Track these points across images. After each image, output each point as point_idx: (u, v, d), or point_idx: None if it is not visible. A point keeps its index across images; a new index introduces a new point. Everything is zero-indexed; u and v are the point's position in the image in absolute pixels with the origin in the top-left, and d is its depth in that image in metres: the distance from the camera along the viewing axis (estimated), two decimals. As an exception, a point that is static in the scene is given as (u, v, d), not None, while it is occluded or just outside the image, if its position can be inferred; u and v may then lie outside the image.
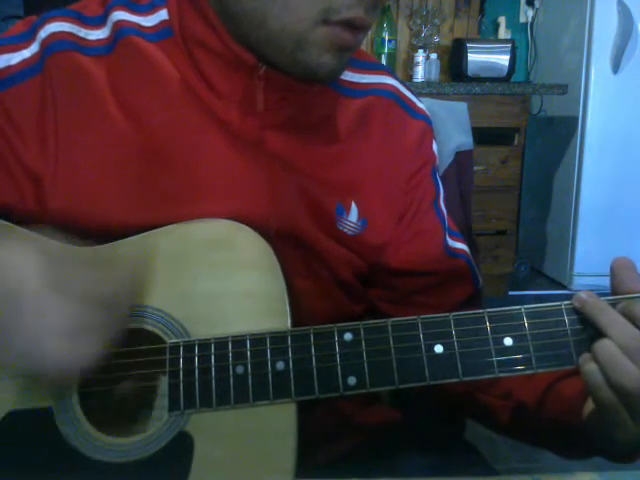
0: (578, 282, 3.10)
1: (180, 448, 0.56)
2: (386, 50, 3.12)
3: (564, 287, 3.18)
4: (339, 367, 0.56)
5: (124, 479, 0.56)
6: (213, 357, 0.57)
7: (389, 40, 3.11)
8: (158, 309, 0.59)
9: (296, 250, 0.67)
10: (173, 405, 0.57)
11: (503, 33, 3.32)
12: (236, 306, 0.59)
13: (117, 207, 0.63)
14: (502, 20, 3.32)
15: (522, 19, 3.45)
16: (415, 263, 0.73)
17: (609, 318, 0.52)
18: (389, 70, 0.78)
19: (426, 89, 2.76)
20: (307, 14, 0.57)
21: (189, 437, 0.56)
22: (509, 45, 3.02)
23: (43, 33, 0.65)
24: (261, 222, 0.63)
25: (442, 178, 0.89)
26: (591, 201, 3.04)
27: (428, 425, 0.83)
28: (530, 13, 3.41)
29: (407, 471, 0.73)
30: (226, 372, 0.56)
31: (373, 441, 0.76)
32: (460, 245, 0.77)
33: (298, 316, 0.59)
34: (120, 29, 0.66)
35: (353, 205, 0.70)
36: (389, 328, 0.56)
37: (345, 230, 0.70)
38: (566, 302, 0.55)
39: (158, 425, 0.57)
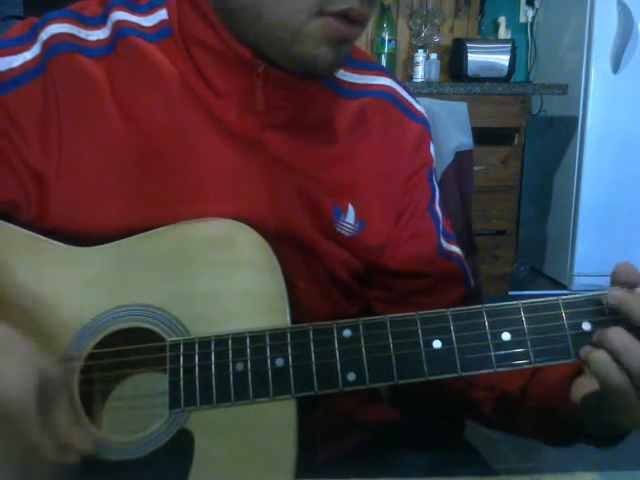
0: (578, 282, 3.10)
1: (181, 445, 0.56)
2: (386, 50, 3.12)
3: (564, 287, 3.18)
4: (338, 363, 0.56)
5: (125, 477, 0.57)
6: (213, 354, 0.57)
7: (389, 40, 3.11)
8: (158, 308, 0.59)
9: (294, 250, 0.67)
10: (173, 403, 0.57)
11: (503, 33, 3.32)
12: (236, 305, 0.59)
13: (118, 207, 0.63)
14: (502, 20, 3.32)
15: (522, 19, 3.45)
16: (410, 265, 0.74)
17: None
18: (387, 71, 0.78)
19: (426, 89, 2.76)
20: (302, 6, 0.57)
21: (189, 434, 0.56)
22: (509, 45, 3.02)
23: (44, 35, 0.65)
24: (260, 222, 0.63)
25: (442, 178, 0.89)
26: (591, 201, 3.04)
27: (428, 425, 0.83)
28: (530, 13, 3.41)
29: (407, 470, 0.73)
30: (226, 369, 0.56)
31: (373, 440, 0.76)
32: (454, 248, 0.77)
33: (296, 315, 0.59)
34: (120, 29, 0.66)
35: (350, 207, 0.70)
36: (387, 324, 0.56)
37: (342, 231, 0.70)
38: (563, 296, 0.55)
39: (159, 423, 0.57)
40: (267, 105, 0.65)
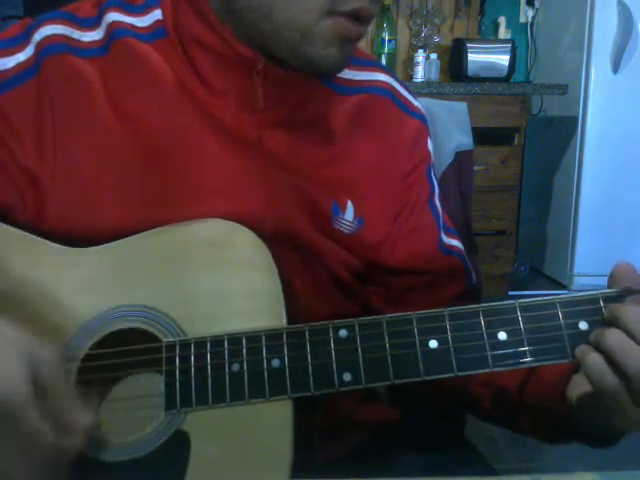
0: (578, 282, 3.10)
1: (177, 446, 0.56)
2: (386, 50, 3.12)
3: (564, 287, 3.18)
4: (334, 363, 0.55)
5: (121, 478, 0.56)
6: (209, 355, 0.57)
7: (389, 40, 3.11)
8: (154, 308, 0.59)
9: (293, 249, 0.67)
10: (169, 404, 0.57)
11: (503, 33, 3.32)
12: (232, 305, 0.59)
13: (114, 208, 0.63)
14: (502, 20, 3.32)
15: (522, 19, 3.45)
16: (411, 261, 0.74)
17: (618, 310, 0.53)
18: (384, 67, 0.78)
19: (426, 89, 2.76)
20: (313, 5, 0.57)
21: (186, 435, 0.56)
22: (509, 45, 3.02)
23: (38, 36, 0.65)
24: (257, 222, 0.63)
25: (442, 178, 0.89)
26: (591, 201, 3.04)
27: (428, 424, 0.83)
28: (530, 13, 3.41)
29: (406, 470, 0.73)
30: (222, 370, 0.56)
31: (372, 440, 0.76)
32: (455, 242, 0.77)
33: (295, 315, 0.59)
34: (114, 30, 0.66)
35: (349, 203, 0.70)
36: (384, 324, 0.56)
37: (341, 229, 0.70)
38: (560, 296, 0.55)
39: (155, 424, 0.57)
40: (265, 103, 0.65)
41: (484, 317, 0.55)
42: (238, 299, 0.59)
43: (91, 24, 0.67)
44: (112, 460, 0.56)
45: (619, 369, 0.51)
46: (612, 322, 0.52)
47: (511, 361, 0.54)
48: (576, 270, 3.10)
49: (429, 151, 0.77)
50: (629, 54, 2.91)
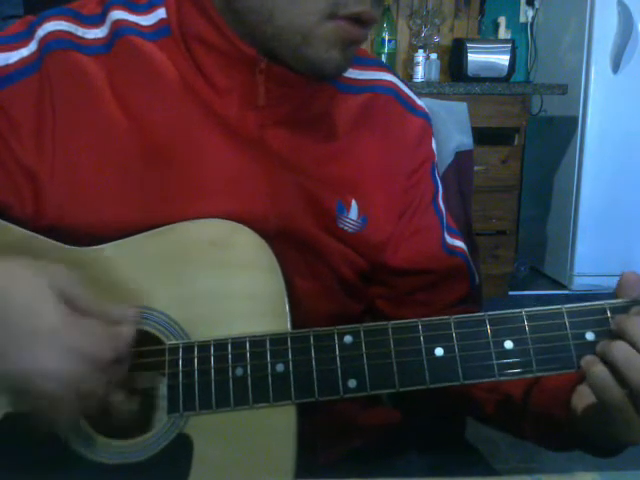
0: (578, 282, 3.10)
1: (179, 450, 0.56)
2: (386, 50, 3.12)
3: (564, 287, 3.17)
4: (339, 370, 0.55)
5: (123, 481, 0.56)
6: (212, 359, 0.56)
7: (389, 40, 3.11)
8: (157, 310, 0.59)
9: (296, 249, 0.67)
10: (172, 407, 0.56)
11: (503, 33, 3.31)
12: (235, 307, 0.59)
13: (115, 206, 0.63)
14: (502, 20, 3.31)
15: (522, 19, 3.45)
16: (414, 261, 0.73)
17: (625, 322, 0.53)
18: (388, 67, 0.78)
19: (426, 89, 2.76)
20: (315, 9, 0.57)
21: (188, 439, 0.56)
22: (509, 45, 3.02)
23: (41, 32, 0.65)
24: (261, 221, 0.63)
25: (442, 178, 0.89)
26: (591, 201, 3.04)
27: (428, 425, 0.83)
28: (530, 13, 3.41)
29: (407, 471, 0.73)
30: (225, 374, 0.56)
31: (373, 442, 0.75)
32: (458, 243, 0.77)
33: (298, 316, 0.59)
34: (118, 28, 0.66)
35: (353, 202, 0.70)
36: (389, 331, 0.56)
37: (345, 228, 0.69)
38: (567, 305, 0.54)
39: (157, 427, 0.57)
40: (268, 101, 0.65)
41: (490, 325, 0.55)
42: (241, 301, 0.59)
43: (95, 21, 0.67)
44: (114, 463, 0.56)
45: (624, 382, 0.51)
46: (619, 334, 0.52)
47: (517, 370, 0.54)
48: (576, 270, 3.10)
49: (433, 150, 0.77)
50: (629, 54, 2.91)
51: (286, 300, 0.58)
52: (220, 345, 0.57)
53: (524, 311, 0.55)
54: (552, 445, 0.66)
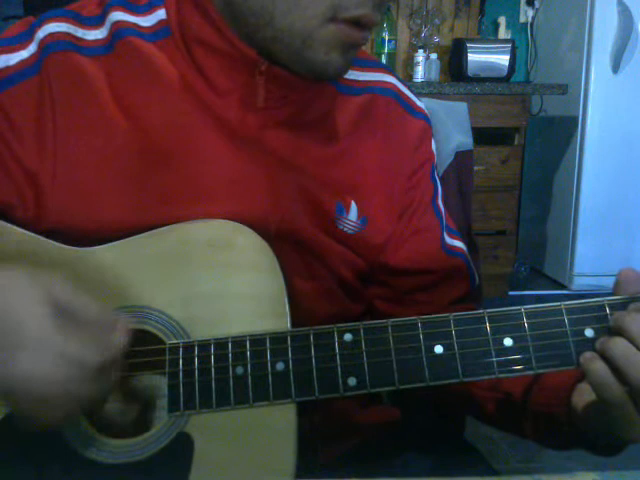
0: (578, 282, 3.10)
1: (180, 449, 0.56)
2: (386, 50, 3.12)
3: (564, 287, 3.18)
4: (339, 368, 0.55)
5: (124, 480, 0.56)
6: (213, 358, 0.57)
7: (389, 40, 3.11)
8: (157, 310, 0.59)
9: (296, 250, 0.67)
10: (172, 406, 0.57)
11: (503, 33, 3.31)
12: (235, 307, 0.59)
13: (116, 207, 0.63)
14: (502, 20, 3.31)
15: (522, 19, 3.45)
16: (414, 261, 0.74)
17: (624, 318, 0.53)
18: (388, 68, 0.79)
19: (426, 89, 2.76)
20: (315, 12, 0.57)
21: (189, 438, 0.56)
22: (509, 45, 3.02)
23: (41, 33, 0.65)
24: (260, 222, 0.63)
25: (442, 178, 0.89)
26: (591, 201, 3.04)
27: (428, 425, 0.83)
28: (530, 13, 3.41)
29: (407, 471, 0.73)
30: (226, 373, 0.56)
31: (373, 441, 0.76)
32: (458, 243, 0.77)
33: (298, 316, 0.59)
34: (118, 29, 0.66)
35: (353, 204, 0.70)
36: (389, 328, 0.56)
37: (345, 229, 0.70)
38: (566, 302, 0.54)
39: (158, 426, 0.57)
40: (268, 103, 0.65)
41: (490, 323, 0.55)
42: (241, 301, 0.59)
43: (95, 22, 0.67)
44: (115, 462, 0.56)
45: (624, 379, 0.51)
46: (617, 331, 0.52)
47: (516, 367, 0.54)
48: (576, 270, 3.10)
49: (433, 151, 0.78)
50: (629, 54, 2.91)
51: (286, 301, 0.58)
52: (220, 344, 0.57)
53: (523, 308, 0.55)
54: (552, 444, 0.67)
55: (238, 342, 0.57)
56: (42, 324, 0.50)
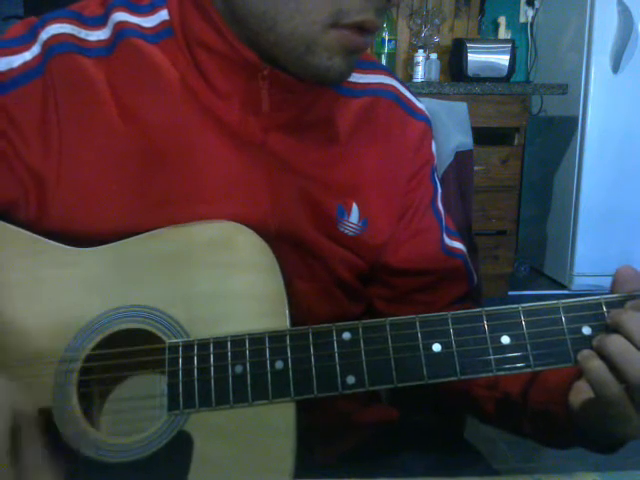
0: (578, 282, 3.11)
1: (179, 447, 0.56)
2: (386, 50, 3.12)
3: (564, 287, 3.18)
4: (338, 366, 0.56)
5: (123, 479, 0.56)
6: (212, 357, 0.57)
7: (389, 40, 3.11)
8: (158, 309, 0.59)
9: (296, 251, 0.67)
10: (172, 405, 0.57)
11: (503, 33, 3.32)
12: (235, 307, 0.59)
13: (117, 208, 0.63)
14: (502, 20, 3.32)
15: (522, 19, 3.45)
16: (413, 262, 0.74)
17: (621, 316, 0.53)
18: (388, 70, 0.79)
19: (426, 89, 2.76)
20: (318, 17, 0.57)
21: (188, 436, 0.56)
22: (509, 45, 3.02)
23: (44, 35, 0.64)
24: (261, 224, 0.63)
25: (442, 178, 0.89)
26: (591, 201, 3.04)
27: (428, 425, 0.83)
28: (530, 13, 3.41)
29: (407, 471, 0.73)
30: (225, 372, 0.56)
31: (373, 441, 0.76)
32: (457, 244, 0.78)
33: (298, 316, 0.59)
34: (121, 30, 0.66)
35: (354, 206, 0.70)
36: (387, 327, 0.56)
37: (346, 231, 0.70)
38: (563, 300, 0.55)
39: (157, 425, 0.57)
40: (270, 106, 0.65)
41: (487, 321, 0.55)
42: (241, 301, 0.59)
43: (97, 23, 0.67)
44: (114, 461, 0.56)
45: (621, 376, 0.51)
46: (614, 328, 0.52)
47: (514, 365, 0.54)
48: (576, 270, 3.11)
49: (433, 153, 0.78)
50: (629, 54, 2.91)
51: (286, 301, 0.59)
52: (219, 343, 0.57)
53: (521, 306, 0.55)
54: (552, 443, 0.67)
55: (237, 341, 0.57)
56: None
